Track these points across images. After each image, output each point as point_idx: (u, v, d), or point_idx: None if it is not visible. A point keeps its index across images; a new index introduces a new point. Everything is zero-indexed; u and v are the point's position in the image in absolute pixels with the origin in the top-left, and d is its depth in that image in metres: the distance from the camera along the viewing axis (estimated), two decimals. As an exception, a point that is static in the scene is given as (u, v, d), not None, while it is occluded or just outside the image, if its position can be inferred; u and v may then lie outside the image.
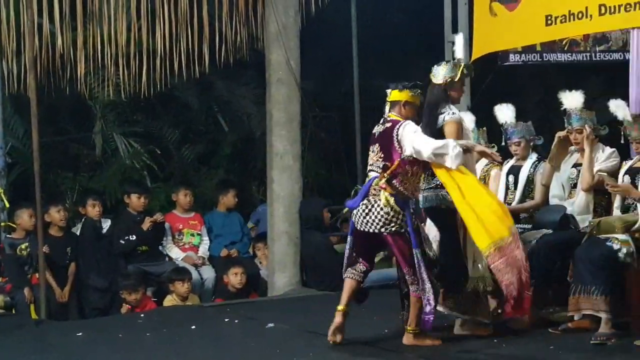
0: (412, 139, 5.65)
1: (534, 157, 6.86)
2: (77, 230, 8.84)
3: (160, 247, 8.92)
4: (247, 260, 9.10)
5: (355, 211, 5.84)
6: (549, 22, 7.57)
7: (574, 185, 6.43)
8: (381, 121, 5.93)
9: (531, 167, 6.83)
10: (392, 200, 5.61)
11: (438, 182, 5.81)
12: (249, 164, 11.85)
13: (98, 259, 8.52)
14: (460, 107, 8.93)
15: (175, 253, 8.84)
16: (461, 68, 6.09)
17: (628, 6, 6.83)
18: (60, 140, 10.90)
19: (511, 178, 6.94)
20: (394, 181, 5.58)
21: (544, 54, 9.86)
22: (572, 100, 6.48)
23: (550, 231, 6.25)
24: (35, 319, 7.68)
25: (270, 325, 6.66)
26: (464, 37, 9.23)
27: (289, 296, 8.38)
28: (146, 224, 8.62)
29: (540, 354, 5.66)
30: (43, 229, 7.78)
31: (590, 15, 7.18)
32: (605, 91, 6.29)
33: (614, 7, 6.96)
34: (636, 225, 5.85)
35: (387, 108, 5.95)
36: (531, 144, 6.91)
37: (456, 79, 6.07)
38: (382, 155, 5.77)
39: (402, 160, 5.60)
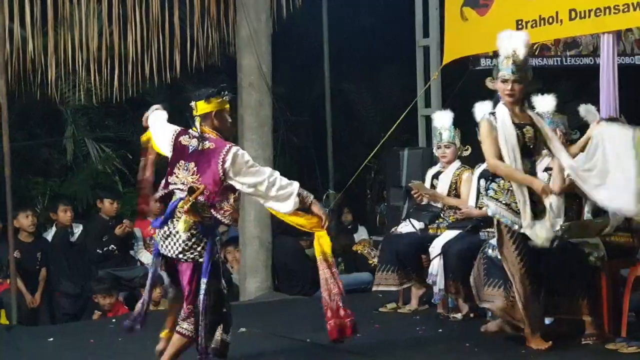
0: (252, 175, 5.26)
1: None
2: (48, 235, 8.78)
3: (131, 252, 8.89)
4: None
5: (158, 232, 5.37)
6: (520, 26, 7.62)
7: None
8: (193, 134, 5.34)
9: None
10: (193, 226, 5.15)
11: None
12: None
13: (69, 265, 8.47)
14: (431, 111, 9.06)
15: (147, 258, 8.78)
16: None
17: (598, 11, 6.90)
18: (31, 145, 10.81)
19: (482, 182, 6.96)
20: (214, 205, 5.15)
21: (515, 59, 9.89)
22: (544, 103, 6.54)
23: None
24: (5, 325, 7.62)
25: (242, 330, 6.64)
26: (436, 42, 9.35)
27: (260, 301, 8.36)
28: (120, 230, 8.61)
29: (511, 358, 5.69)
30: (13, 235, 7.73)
31: (561, 20, 7.25)
32: (576, 95, 6.33)
33: (584, 11, 7.03)
34: (607, 229, 5.90)
35: (197, 122, 5.34)
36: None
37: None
38: (199, 177, 5.20)
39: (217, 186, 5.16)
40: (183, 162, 5.28)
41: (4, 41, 7.87)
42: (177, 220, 5.19)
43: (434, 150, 7.54)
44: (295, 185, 5.45)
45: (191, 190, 5.13)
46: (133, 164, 11.02)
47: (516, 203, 5.57)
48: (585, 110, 6.24)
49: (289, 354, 6.02)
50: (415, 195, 7.29)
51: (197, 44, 8.93)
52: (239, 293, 8.76)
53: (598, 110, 6.44)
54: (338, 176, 11.38)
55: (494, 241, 6.35)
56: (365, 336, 6.32)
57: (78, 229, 8.84)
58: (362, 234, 10.39)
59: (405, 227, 7.35)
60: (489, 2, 7.98)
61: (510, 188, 5.60)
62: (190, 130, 5.40)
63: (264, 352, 6.09)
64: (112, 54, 8.75)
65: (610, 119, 6.30)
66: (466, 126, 7.29)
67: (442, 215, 7.22)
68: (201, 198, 5.15)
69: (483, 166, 7.01)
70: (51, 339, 6.85)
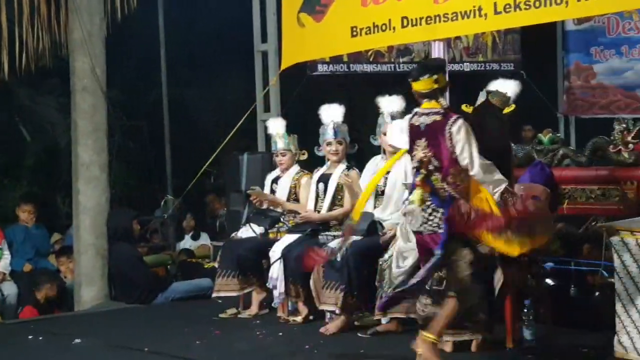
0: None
1: (343, 165, 6.98)
2: None
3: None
4: (54, 274, 8.81)
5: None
6: (355, 33, 7.74)
7: (382, 193, 6.60)
8: (421, 112, 5.28)
9: (340, 175, 6.95)
10: (427, 199, 5.16)
11: None
12: (54, 175, 11.47)
13: None
14: (271, 116, 9.09)
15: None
16: None
17: (429, 19, 7.09)
18: None
19: (321, 186, 7.05)
20: (447, 177, 5.13)
21: (351, 65, 10.10)
22: (331, 113, 6.90)
23: (359, 238, 6.38)
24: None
25: (77, 341, 6.46)
26: (274, 47, 9.38)
27: (96, 310, 8.15)
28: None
29: (350, 358, 5.77)
30: None
31: (394, 28, 7.39)
32: (408, 101, 6.49)
33: (416, 19, 7.21)
34: None
35: (423, 100, 5.28)
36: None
37: None
38: (429, 150, 5.19)
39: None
40: (418, 141, 5.25)
41: None
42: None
43: (274, 158, 7.56)
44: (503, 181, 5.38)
45: (421, 163, 5.17)
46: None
47: None
48: (383, 120, 6.50)
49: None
50: (254, 202, 7.30)
51: (26, 45, 8.60)
52: (73, 303, 8.52)
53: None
54: (177, 181, 11.25)
55: (332, 244, 6.45)
56: (206, 343, 6.29)
57: None
58: (203, 240, 10.30)
59: (246, 232, 7.33)
60: (325, 9, 8.06)
61: None
62: (417, 109, 5.33)
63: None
64: (-63, 54, 8.34)
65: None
66: (305, 131, 7.35)
67: (282, 219, 7.24)
68: (431, 167, 5.13)
69: (322, 170, 7.11)
70: None
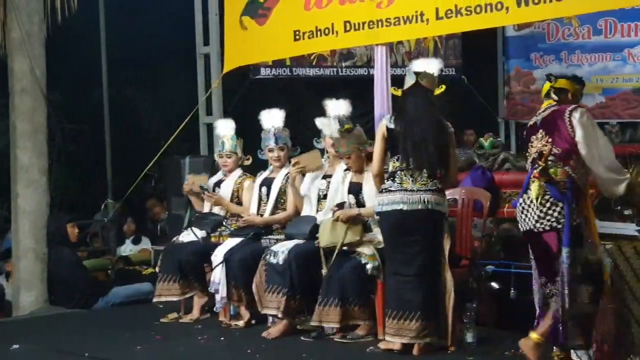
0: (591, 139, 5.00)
1: (286, 169, 6.97)
2: None
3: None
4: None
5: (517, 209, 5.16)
6: (297, 37, 7.75)
7: (324, 197, 6.61)
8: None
9: (283, 179, 6.95)
10: (546, 190, 4.97)
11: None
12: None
13: None
14: (213, 119, 9.05)
15: None
16: None
17: (371, 23, 7.14)
18: None
19: (264, 189, 7.04)
20: (566, 167, 4.97)
21: (294, 69, 10.10)
22: (271, 117, 6.94)
23: (302, 241, 6.38)
24: None
25: (15, 346, 6.35)
26: (216, 50, 9.35)
27: (36, 315, 8.02)
28: None
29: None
30: None
31: (336, 32, 7.42)
32: (352, 105, 6.53)
33: (359, 24, 7.24)
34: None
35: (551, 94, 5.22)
36: (289, 153, 7.04)
37: None
38: (548, 139, 5.03)
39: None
40: (533, 136, 5.12)
41: None
42: (530, 190, 5.03)
43: (216, 158, 7.53)
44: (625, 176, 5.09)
45: (540, 155, 4.98)
46: None
47: None
48: (321, 123, 6.52)
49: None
50: (207, 196, 7.21)
51: (-40, 44, 8.44)
52: (12, 309, 8.38)
53: (373, 117, 6.63)
54: (118, 185, 11.14)
55: (275, 248, 6.45)
56: (147, 348, 6.24)
57: None
58: (144, 244, 10.21)
59: (187, 236, 7.28)
60: (268, 12, 8.06)
61: None
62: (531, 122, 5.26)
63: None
64: None
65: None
66: (247, 134, 7.33)
67: (224, 223, 7.21)
68: (551, 159, 4.97)
69: (265, 174, 7.10)
70: None
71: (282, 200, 6.95)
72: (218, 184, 7.39)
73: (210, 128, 9.33)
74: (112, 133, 11.56)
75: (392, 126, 5.74)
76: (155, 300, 7.25)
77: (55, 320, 7.73)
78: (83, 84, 11.91)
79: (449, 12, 6.70)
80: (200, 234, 7.19)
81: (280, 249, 6.43)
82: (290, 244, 6.44)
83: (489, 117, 11.44)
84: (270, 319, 6.55)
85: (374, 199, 5.98)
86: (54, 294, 8.41)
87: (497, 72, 11.98)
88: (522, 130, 5.41)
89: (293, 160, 6.62)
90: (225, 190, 7.30)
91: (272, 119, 7.02)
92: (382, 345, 5.78)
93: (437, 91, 5.78)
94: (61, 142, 10.82)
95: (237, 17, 8.35)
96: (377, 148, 5.84)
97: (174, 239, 7.46)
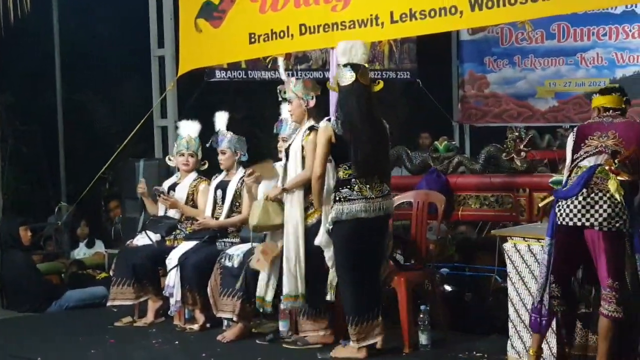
0: None
1: (241, 172, 6.96)
2: None
3: None
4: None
5: (565, 203, 4.88)
6: (253, 40, 7.73)
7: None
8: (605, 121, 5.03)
9: (238, 182, 6.94)
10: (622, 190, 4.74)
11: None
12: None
13: None
14: (168, 122, 9.01)
15: None
16: None
17: (327, 27, 7.15)
18: None
19: (219, 192, 7.03)
20: (626, 162, 4.81)
21: (249, 71, 10.07)
22: (219, 120, 7.03)
23: (257, 244, 6.37)
24: None
25: (-34, 352, 6.28)
26: (171, 52, 9.29)
27: (-13, 320, 7.93)
28: None
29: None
30: None
31: (292, 35, 7.42)
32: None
33: (314, 27, 7.25)
34: None
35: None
36: (236, 157, 7.02)
37: None
38: (622, 140, 4.85)
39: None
40: (601, 133, 4.93)
41: None
42: (596, 189, 4.77)
43: (172, 159, 7.49)
44: None
45: (614, 154, 4.81)
46: None
47: None
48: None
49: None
50: (161, 198, 7.18)
51: None
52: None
53: (329, 120, 6.61)
54: (72, 188, 11.03)
55: (230, 251, 6.44)
56: (101, 352, 6.20)
57: None
58: (98, 247, 10.12)
59: (141, 239, 7.24)
60: (222, 15, 8.03)
61: None
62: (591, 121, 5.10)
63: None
64: None
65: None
66: (201, 137, 7.30)
67: (179, 226, 7.18)
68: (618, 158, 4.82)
69: (220, 177, 7.09)
70: None
71: (238, 204, 6.93)
72: (173, 187, 7.35)
73: (164, 131, 9.28)
74: (65, 135, 11.45)
75: (339, 132, 5.64)
76: (109, 304, 7.20)
77: (8, 324, 7.65)
78: (36, 85, 11.77)
79: (404, 15, 6.73)
80: (155, 237, 7.16)
81: (236, 252, 6.42)
82: (246, 247, 6.44)
83: (443, 121, 11.51)
84: (225, 322, 6.54)
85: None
86: (6, 298, 8.31)
87: (452, 75, 12.04)
88: (572, 128, 5.25)
89: (247, 171, 6.58)
90: (180, 193, 7.26)
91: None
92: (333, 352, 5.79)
93: (376, 88, 5.78)
94: (13, 143, 10.67)
95: (192, 20, 8.30)
96: (321, 152, 5.67)
97: (128, 242, 7.40)
